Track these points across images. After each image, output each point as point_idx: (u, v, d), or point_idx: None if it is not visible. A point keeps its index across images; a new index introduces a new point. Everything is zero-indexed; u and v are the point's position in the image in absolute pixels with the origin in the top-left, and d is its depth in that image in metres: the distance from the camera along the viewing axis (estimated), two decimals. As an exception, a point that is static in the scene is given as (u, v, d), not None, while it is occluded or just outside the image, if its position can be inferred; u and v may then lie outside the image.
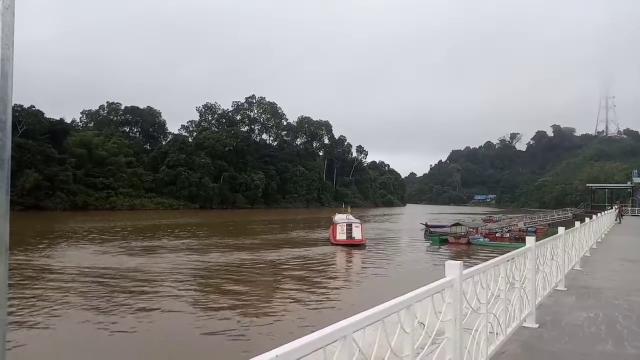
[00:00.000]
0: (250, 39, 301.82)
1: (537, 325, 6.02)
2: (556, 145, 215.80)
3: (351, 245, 36.82)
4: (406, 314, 2.62)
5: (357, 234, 38.17)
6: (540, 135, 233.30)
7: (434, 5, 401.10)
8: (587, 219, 14.80)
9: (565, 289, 8.70)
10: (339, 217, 41.51)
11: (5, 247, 1.33)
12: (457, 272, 3.36)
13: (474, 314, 3.89)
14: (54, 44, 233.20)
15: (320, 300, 18.72)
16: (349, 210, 44.26)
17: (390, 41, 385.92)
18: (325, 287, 21.48)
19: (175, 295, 18.69)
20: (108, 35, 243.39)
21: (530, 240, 6.09)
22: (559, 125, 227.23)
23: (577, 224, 11.78)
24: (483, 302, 4.07)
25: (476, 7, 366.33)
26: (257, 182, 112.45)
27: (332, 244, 37.87)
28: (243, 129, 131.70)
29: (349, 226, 38.26)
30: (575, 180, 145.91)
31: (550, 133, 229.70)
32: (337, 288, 21.67)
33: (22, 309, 15.87)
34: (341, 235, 37.69)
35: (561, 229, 8.94)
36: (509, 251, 5.24)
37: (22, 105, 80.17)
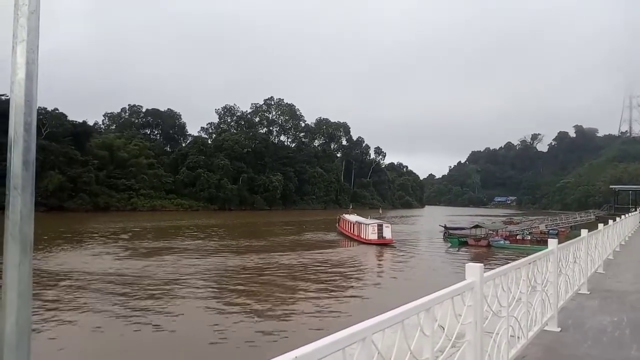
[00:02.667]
0: (268, 45, 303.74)
1: (559, 329, 5.91)
2: (578, 146, 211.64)
3: (382, 244, 39.94)
4: (426, 317, 2.60)
5: (387, 233, 41.39)
6: (562, 136, 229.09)
7: (452, 8, 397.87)
8: (610, 221, 14.47)
9: (588, 292, 8.54)
10: (349, 217, 49.17)
11: (30, 246, 1.37)
12: (477, 274, 3.32)
13: (494, 317, 3.83)
14: (78, 48, 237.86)
15: (347, 299, 18.88)
16: (350, 211, 54.16)
17: (408, 44, 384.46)
18: (355, 287, 22.11)
19: (203, 298, 18.90)
20: (131, 40, 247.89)
21: (552, 242, 5.99)
22: (581, 126, 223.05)
23: (600, 226, 11.54)
24: (504, 305, 4.01)
25: (495, 8, 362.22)
26: (276, 183, 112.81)
27: (363, 243, 40.82)
28: (261, 131, 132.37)
29: (380, 227, 41.57)
30: (598, 182, 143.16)
31: (572, 134, 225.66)
32: (364, 287, 22.16)
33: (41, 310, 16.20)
34: (373, 235, 40.98)
35: (584, 232, 8.77)
36: (530, 254, 5.16)
37: (46, 108, 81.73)
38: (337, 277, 24.58)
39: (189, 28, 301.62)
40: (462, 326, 3.18)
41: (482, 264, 3.39)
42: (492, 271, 3.81)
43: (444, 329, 2.89)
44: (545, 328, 5.69)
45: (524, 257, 4.93)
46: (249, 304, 17.87)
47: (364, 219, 47.23)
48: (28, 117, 1.34)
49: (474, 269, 3.33)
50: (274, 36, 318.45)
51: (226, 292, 20.07)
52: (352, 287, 22.31)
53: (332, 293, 20.42)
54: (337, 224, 54.72)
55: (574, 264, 7.61)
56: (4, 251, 1.34)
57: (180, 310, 16.67)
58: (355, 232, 44.79)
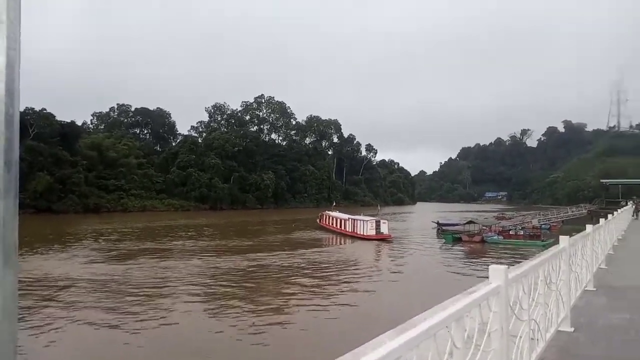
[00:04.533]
0: (261, 42, 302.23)
1: (572, 329, 5.71)
2: (567, 141, 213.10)
3: (380, 239, 41.83)
4: (456, 328, 2.35)
5: (384, 229, 43.77)
6: (551, 131, 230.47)
7: (443, 7, 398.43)
8: (609, 216, 14.28)
9: (594, 289, 8.36)
10: (333, 214, 52.84)
11: (15, 253, 1.19)
12: (502, 277, 3.07)
13: (517, 320, 3.60)
14: (63, 48, 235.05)
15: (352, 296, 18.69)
16: (333, 208, 57.83)
17: (397, 42, 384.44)
18: (358, 285, 22.44)
19: (197, 299, 18.53)
20: (118, 39, 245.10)
21: (564, 240, 5.78)
22: (570, 121, 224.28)
23: (601, 220, 11.40)
24: (525, 307, 3.78)
25: (487, 8, 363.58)
26: (267, 182, 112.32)
27: (361, 239, 42.41)
28: (252, 129, 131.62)
29: (378, 223, 43.79)
30: (587, 177, 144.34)
31: (561, 129, 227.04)
32: (367, 288, 22.18)
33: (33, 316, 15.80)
34: (371, 231, 43.04)
35: (589, 227, 8.60)
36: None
37: (34, 108, 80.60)
38: (349, 273, 24.97)
39: (178, 26, 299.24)
40: (489, 334, 2.94)
41: (506, 266, 3.14)
42: (514, 273, 3.57)
43: (472, 340, 2.64)
44: (559, 328, 5.49)
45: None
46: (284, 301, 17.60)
47: (348, 215, 49.91)
48: (9, 109, 1.13)
49: (498, 272, 3.08)
50: (268, 36, 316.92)
51: (254, 293, 19.76)
52: (364, 280, 22.78)
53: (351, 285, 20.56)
54: (319, 221, 57.35)
55: (581, 260, 7.43)
56: None
57: (172, 313, 16.35)
58: (349, 229, 46.45)
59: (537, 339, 4.29)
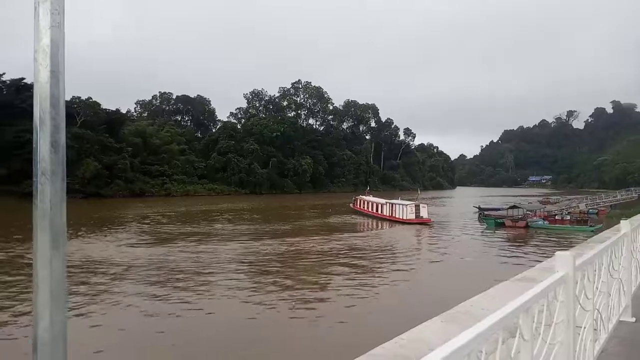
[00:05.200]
0: (296, 28, 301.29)
1: (634, 319, 5.39)
2: (616, 123, 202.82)
3: (421, 223, 42.27)
4: (525, 319, 2.19)
5: (424, 213, 44.09)
6: (599, 112, 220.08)
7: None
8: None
9: (655, 277, 7.90)
10: (368, 198, 53.81)
11: (63, 239, 1.19)
12: (570, 265, 2.88)
13: (581, 311, 3.39)
14: (109, 38, 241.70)
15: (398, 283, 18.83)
16: (367, 193, 57.76)
17: (439, 22, 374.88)
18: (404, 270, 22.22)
19: (238, 283, 18.84)
20: (160, 28, 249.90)
21: (625, 224, 5.44)
22: (619, 101, 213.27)
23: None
24: (590, 297, 3.56)
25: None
26: (305, 167, 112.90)
27: (401, 223, 42.83)
28: (290, 115, 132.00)
29: (417, 207, 44.10)
30: (638, 159, 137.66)
31: (609, 110, 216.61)
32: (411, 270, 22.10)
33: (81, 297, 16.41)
34: (411, 215, 43.40)
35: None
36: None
37: (80, 97, 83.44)
38: (394, 258, 25.19)
39: (217, 14, 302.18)
40: (555, 325, 2.76)
41: (573, 253, 2.94)
42: (580, 260, 3.35)
43: (539, 331, 2.47)
44: (621, 318, 5.19)
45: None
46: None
47: (386, 200, 50.32)
48: (55, 90, 1.14)
49: (566, 259, 2.88)
50: (302, 19, 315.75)
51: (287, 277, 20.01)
52: (409, 265, 22.77)
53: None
54: (353, 205, 57.81)
55: (641, 246, 7.01)
56: (34, 246, 1.18)
57: (211, 299, 16.66)
58: (387, 213, 47.11)
59: (600, 330, 4.06)
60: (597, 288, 3.87)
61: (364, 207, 53.91)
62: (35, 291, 1.17)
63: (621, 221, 5.57)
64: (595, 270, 3.81)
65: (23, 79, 69.28)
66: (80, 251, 24.67)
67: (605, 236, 12.60)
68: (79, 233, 31.86)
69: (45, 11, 1.15)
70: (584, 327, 3.44)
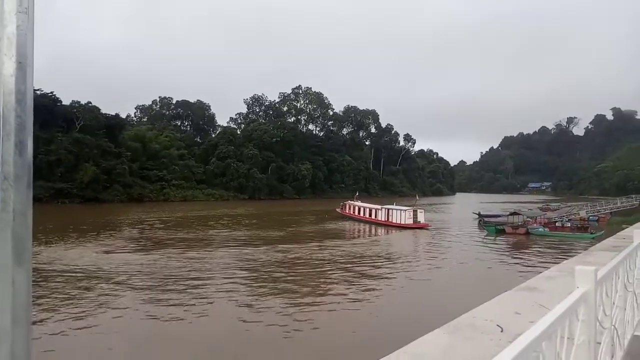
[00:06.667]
0: (297, 32, 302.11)
1: None
2: (617, 129, 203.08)
3: (418, 228, 43.70)
4: (547, 346, 1.96)
5: (421, 218, 45.51)
6: (599, 119, 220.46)
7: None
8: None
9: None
10: (357, 203, 55.33)
11: (28, 251, 1.02)
12: (592, 280, 2.64)
13: (600, 328, 3.15)
14: (105, 43, 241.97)
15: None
16: (356, 199, 58.88)
17: (439, 30, 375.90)
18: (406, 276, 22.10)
19: (231, 290, 18.56)
20: (158, 34, 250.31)
21: (639, 234, 5.21)
22: (619, 108, 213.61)
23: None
24: (608, 313, 3.33)
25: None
26: (305, 172, 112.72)
27: (399, 228, 44.13)
28: (290, 120, 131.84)
29: (415, 212, 45.46)
30: (638, 166, 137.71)
31: (609, 116, 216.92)
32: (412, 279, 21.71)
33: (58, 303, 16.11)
34: (409, 220, 44.66)
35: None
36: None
37: (80, 102, 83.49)
38: (394, 263, 24.77)
39: (219, 20, 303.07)
40: (575, 347, 2.52)
41: (595, 268, 2.71)
42: (599, 274, 3.12)
43: (561, 357, 2.24)
44: (635, 333, 4.95)
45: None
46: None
47: (381, 205, 51.51)
48: (21, 85, 0.99)
49: (587, 275, 2.64)
50: (303, 23, 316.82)
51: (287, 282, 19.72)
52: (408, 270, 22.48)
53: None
54: (341, 210, 58.41)
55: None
56: None
57: (202, 305, 16.38)
58: (382, 218, 48.41)
59: (615, 346, 3.83)
60: (613, 303, 3.64)
61: (354, 212, 54.80)
62: None
63: (634, 231, 5.35)
64: (612, 285, 3.58)
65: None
66: (58, 260, 23.72)
67: (610, 244, 12.37)
68: (69, 239, 31.59)
69: None
70: (602, 346, 3.21)
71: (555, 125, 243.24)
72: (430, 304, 16.04)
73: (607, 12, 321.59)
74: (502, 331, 4.98)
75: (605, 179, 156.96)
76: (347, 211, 56.71)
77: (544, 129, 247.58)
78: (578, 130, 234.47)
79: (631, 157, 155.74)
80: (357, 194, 69.22)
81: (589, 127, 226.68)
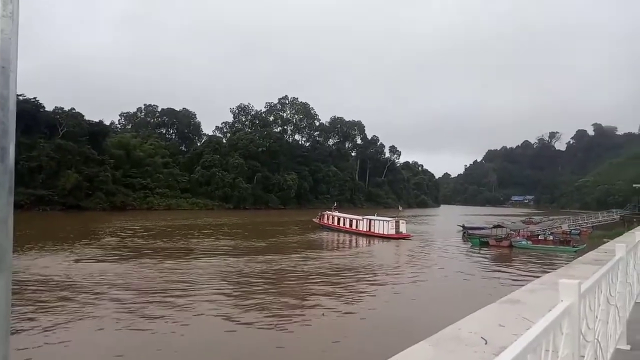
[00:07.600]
0: (284, 44, 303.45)
1: (629, 347, 5.17)
2: (597, 145, 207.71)
3: (400, 238, 44.73)
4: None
5: (403, 229, 47.28)
6: (580, 134, 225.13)
7: (472, 9, 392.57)
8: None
9: (644, 301, 7.73)
10: (336, 214, 55.55)
11: (8, 259, 0.98)
12: (575, 294, 2.63)
13: (583, 341, 3.14)
14: (94, 50, 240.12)
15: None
16: (334, 209, 58.22)
17: (426, 46, 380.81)
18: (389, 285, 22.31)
19: (214, 300, 18.32)
20: (145, 40, 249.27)
21: (621, 248, 5.25)
22: (600, 124, 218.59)
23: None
24: (591, 327, 3.32)
25: (516, 8, 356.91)
26: (290, 182, 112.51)
27: (384, 238, 44.79)
28: (276, 130, 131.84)
29: (397, 223, 46.99)
30: (618, 181, 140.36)
31: (591, 132, 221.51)
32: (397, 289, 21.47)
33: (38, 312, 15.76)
34: (391, 230, 46.06)
35: (639, 233, 7.95)
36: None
37: (63, 108, 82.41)
38: (377, 272, 24.49)
39: (203, 28, 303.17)
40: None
41: (579, 281, 2.70)
42: (582, 288, 3.11)
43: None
44: (617, 346, 4.96)
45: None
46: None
47: (362, 216, 52.66)
48: (4, 90, 0.95)
49: (571, 288, 2.63)
50: (289, 37, 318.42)
51: (274, 292, 19.50)
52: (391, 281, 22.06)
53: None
54: (319, 220, 57.72)
55: (633, 270, 6.84)
56: None
57: (186, 315, 16.13)
58: (363, 228, 49.39)
59: (598, 359, 3.82)
60: (596, 316, 3.64)
61: (333, 223, 55.15)
62: None
63: (616, 245, 5.39)
64: (595, 298, 3.58)
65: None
66: (27, 269, 22.92)
67: (592, 257, 12.47)
68: (44, 246, 30.97)
69: None
70: (586, 359, 3.19)
71: (538, 140, 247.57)
72: (414, 316, 16.00)
73: (590, 29, 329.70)
74: (486, 343, 4.95)
75: (587, 193, 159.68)
76: (324, 221, 56.96)
77: (526, 143, 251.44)
78: (560, 145, 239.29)
79: (612, 173, 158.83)
80: (335, 204, 69.02)
81: (571, 142, 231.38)
